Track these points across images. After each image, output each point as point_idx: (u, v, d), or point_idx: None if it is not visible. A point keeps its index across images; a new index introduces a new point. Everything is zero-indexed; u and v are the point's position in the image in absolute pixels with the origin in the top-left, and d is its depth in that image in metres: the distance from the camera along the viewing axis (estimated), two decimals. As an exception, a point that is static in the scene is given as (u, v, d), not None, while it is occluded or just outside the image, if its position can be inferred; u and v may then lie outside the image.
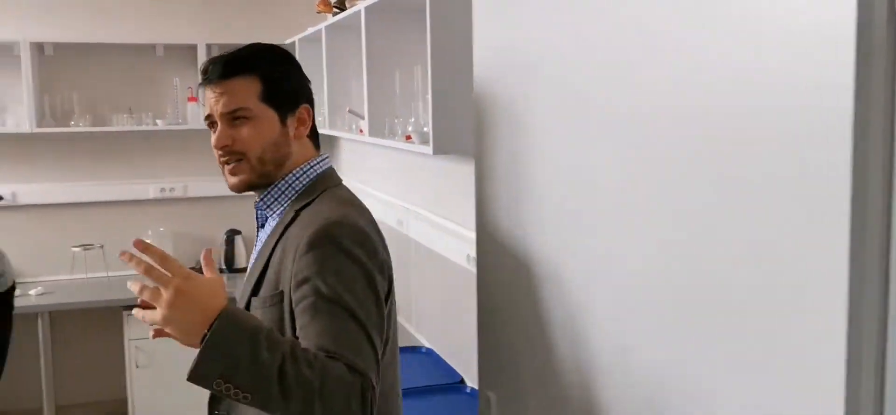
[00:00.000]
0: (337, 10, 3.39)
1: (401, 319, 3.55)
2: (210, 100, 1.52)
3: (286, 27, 4.44)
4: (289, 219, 1.51)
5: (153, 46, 4.50)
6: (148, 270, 1.28)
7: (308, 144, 1.60)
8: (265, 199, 1.57)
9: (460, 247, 2.70)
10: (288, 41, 4.36)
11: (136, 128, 4.36)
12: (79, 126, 4.25)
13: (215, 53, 4.45)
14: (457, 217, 2.86)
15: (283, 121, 1.53)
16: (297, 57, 4.08)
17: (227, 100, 1.50)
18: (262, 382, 1.25)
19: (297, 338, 1.36)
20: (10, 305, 3.33)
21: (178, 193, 4.55)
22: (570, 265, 1.46)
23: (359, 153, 4.26)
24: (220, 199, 4.65)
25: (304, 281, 1.38)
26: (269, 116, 1.51)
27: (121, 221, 4.47)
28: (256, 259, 1.56)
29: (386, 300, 1.47)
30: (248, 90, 1.50)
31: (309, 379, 1.25)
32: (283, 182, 1.55)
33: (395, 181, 3.63)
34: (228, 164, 1.53)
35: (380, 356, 1.39)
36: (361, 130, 3.08)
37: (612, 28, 1.28)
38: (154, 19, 4.50)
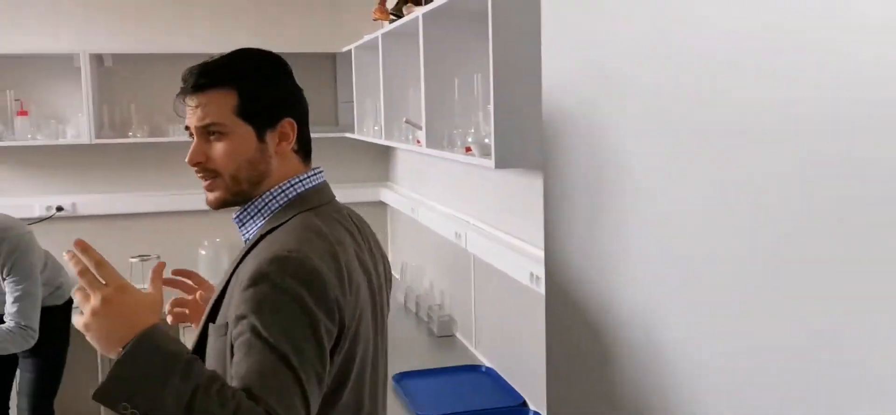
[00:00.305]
0: (394, 17, 3.30)
1: (459, 335, 3.44)
2: (188, 111, 1.46)
3: (343, 35, 4.38)
4: (251, 244, 1.43)
5: (211, 56, 4.47)
6: (82, 272, 1.27)
7: (293, 159, 1.51)
8: (241, 216, 1.50)
9: (522, 264, 2.57)
10: (344, 50, 4.30)
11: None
12: (137, 137, 4.25)
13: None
14: (519, 232, 2.74)
15: (260, 137, 1.45)
16: (354, 67, 3.97)
17: (201, 113, 1.43)
18: (164, 410, 1.19)
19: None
20: (68, 318, 3.32)
21: (234, 204, 4.51)
22: (652, 293, 1.32)
23: (415, 164, 4.16)
24: None
25: (241, 317, 1.30)
26: (245, 132, 1.44)
27: (178, 232, 4.46)
28: (219, 284, 1.49)
29: (339, 343, 1.37)
30: (223, 104, 1.43)
31: None
32: (260, 200, 1.47)
33: (453, 193, 3.52)
34: (205, 180, 1.47)
35: (313, 404, 1.29)
36: (419, 141, 2.98)
37: (710, 30, 1.14)
38: (211, 29, 4.48)
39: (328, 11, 4.61)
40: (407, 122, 2.97)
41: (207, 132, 1.43)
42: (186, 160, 1.44)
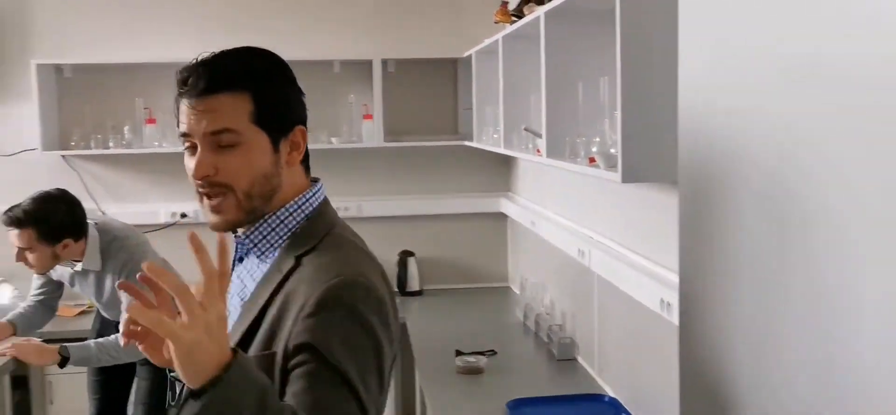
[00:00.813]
0: (516, 19, 3.11)
1: (581, 359, 3.21)
2: (189, 117, 1.28)
3: (465, 39, 4.23)
4: (288, 267, 1.31)
5: (331, 63, 4.44)
6: (182, 291, 1.05)
7: (299, 171, 1.38)
8: (252, 235, 1.34)
9: (652, 288, 2.33)
10: (465, 55, 4.15)
11: (311, 146, 4.27)
12: (257, 144, 4.24)
13: (390, 68, 4.32)
14: (649, 253, 2.49)
15: (275, 147, 1.32)
16: (474, 72, 3.67)
17: (211, 118, 1.26)
18: None
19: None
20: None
21: (352, 213, 4.44)
22: (811, 335, 1.07)
23: (536, 174, 3.96)
24: (393, 219, 4.51)
25: (307, 345, 1.20)
26: (261, 141, 1.29)
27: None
28: (248, 304, 1.33)
29: (389, 373, 1.31)
30: (238, 109, 1.27)
31: None
32: (273, 217, 1.33)
33: (576, 207, 3.30)
34: (210, 198, 1.29)
35: None
36: (538, 151, 2.78)
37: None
38: (333, 35, 4.44)
39: (450, 15, 4.48)
40: (526, 130, 2.78)
41: (218, 142, 1.27)
42: (192, 174, 1.28)
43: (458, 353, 3.24)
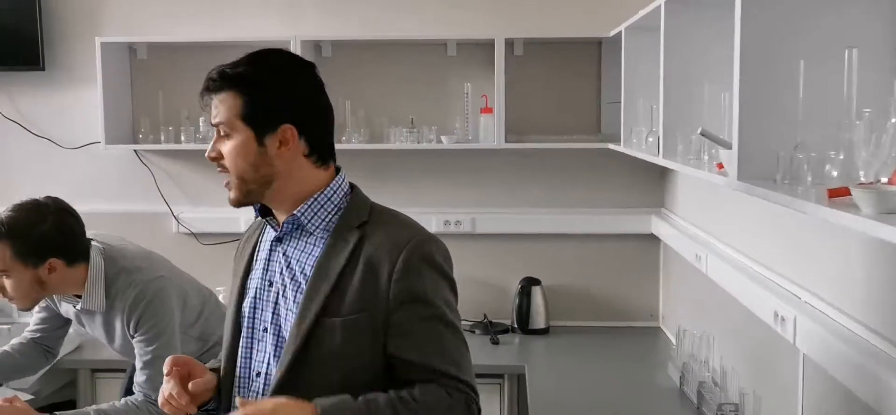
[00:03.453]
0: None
1: None
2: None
3: (610, 14, 3.31)
4: (354, 238, 1.50)
5: (444, 43, 3.62)
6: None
7: (305, 164, 1.54)
8: (305, 213, 1.53)
9: (766, 300, 2.02)
10: (612, 33, 3.22)
11: (415, 146, 3.50)
12: (352, 142, 3.50)
13: (517, 50, 3.41)
14: (769, 262, 2.07)
15: (260, 141, 1.50)
16: (623, 54, 2.71)
17: (214, 112, 1.52)
18: None
19: (393, 355, 1.47)
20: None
21: (465, 228, 3.62)
22: None
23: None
24: (515, 238, 3.64)
25: (408, 300, 1.45)
26: (246, 135, 1.50)
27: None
28: (319, 273, 1.50)
29: None
30: (230, 106, 1.50)
31: None
32: (322, 195, 1.54)
33: (696, 205, 2.86)
34: (224, 178, 1.54)
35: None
36: (720, 166, 1.86)
37: None
38: (442, 13, 3.62)
39: (593, -15, 3.55)
40: (704, 134, 1.85)
41: (218, 131, 1.52)
42: (205, 154, 1.55)
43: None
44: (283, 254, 1.55)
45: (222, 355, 1.63)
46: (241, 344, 1.58)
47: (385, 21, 3.62)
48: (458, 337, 1.48)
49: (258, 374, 1.54)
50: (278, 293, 1.53)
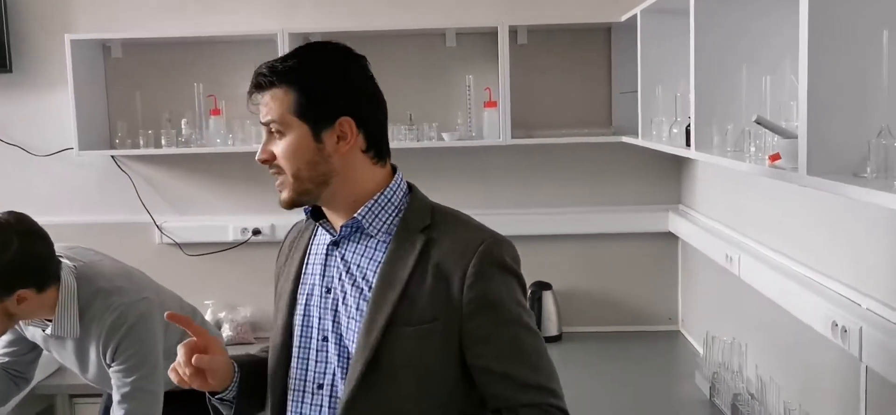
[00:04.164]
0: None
1: None
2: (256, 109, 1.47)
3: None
4: (421, 242, 1.44)
5: (442, 33, 3.38)
6: None
7: (363, 160, 1.46)
8: (366, 216, 1.46)
9: (821, 308, 1.83)
10: (625, 18, 3.00)
11: (414, 145, 3.26)
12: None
13: (521, 39, 3.16)
14: (819, 264, 1.95)
15: (317, 136, 1.43)
16: (639, 40, 2.77)
17: (264, 111, 1.44)
18: None
19: (472, 365, 1.42)
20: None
21: (469, 230, 3.37)
22: None
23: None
24: (524, 240, 3.33)
25: (482, 306, 1.39)
26: (302, 131, 1.42)
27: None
28: (384, 280, 1.42)
29: None
30: (282, 102, 1.42)
31: None
32: (382, 197, 1.46)
33: (723, 201, 2.66)
34: (275, 179, 1.46)
35: None
36: (775, 158, 1.62)
37: None
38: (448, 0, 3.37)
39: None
40: (759, 121, 1.61)
41: (270, 130, 1.44)
42: (256, 157, 1.46)
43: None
44: (341, 258, 1.48)
45: (270, 364, 1.54)
46: (294, 354, 1.50)
47: (378, 11, 3.37)
48: (536, 340, 1.43)
49: (320, 386, 1.46)
50: (338, 300, 1.46)
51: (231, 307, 3.43)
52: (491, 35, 3.23)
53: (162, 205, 3.52)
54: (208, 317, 3.38)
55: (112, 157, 3.46)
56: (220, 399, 1.51)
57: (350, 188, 1.45)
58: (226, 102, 3.35)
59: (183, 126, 3.33)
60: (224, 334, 3.36)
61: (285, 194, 1.44)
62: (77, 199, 3.51)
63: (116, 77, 3.46)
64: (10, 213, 1.98)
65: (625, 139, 3.08)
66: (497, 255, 1.41)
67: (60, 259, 2.06)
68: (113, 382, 2.07)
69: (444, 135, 3.28)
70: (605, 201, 3.43)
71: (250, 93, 1.45)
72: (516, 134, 3.23)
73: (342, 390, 1.41)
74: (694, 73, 2.12)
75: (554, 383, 1.43)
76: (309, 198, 1.45)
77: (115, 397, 2.06)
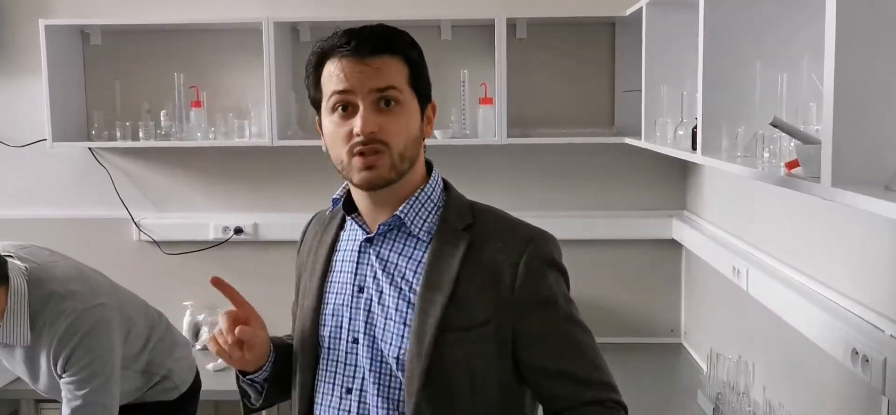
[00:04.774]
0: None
1: None
2: (351, 75, 1.30)
3: (626, -10, 2.92)
4: (465, 242, 1.36)
5: (437, 25, 3.21)
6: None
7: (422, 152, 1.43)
8: (408, 210, 1.38)
9: (838, 332, 1.68)
10: (629, 12, 2.83)
11: (405, 141, 3.08)
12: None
13: (520, 32, 2.97)
14: (838, 283, 1.80)
15: (422, 114, 1.38)
16: (644, 36, 2.63)
17: (379, 76, 1.31)
18: None
19: (527, 364, 1.36)
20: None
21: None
22: None
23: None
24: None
25: (534, 305, 1.34)
26: (414, 105, 1.36)
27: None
28: (430, 282, 1.34)
29: None
30: (399, 71, 1.33)
31: None
32: (422, 194, 1.39)
33: (731, 208, 2.54)
34: (365, 155, 1.31)
35: None
36: (791, 165, 1.45)
37: None
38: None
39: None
40: (775, 123, 1.43)
41: (383, 99, 1.32)
42: (359, 130, 1.29)
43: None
44: (376, 256, 1.39)
45: (296, 367, 1.44)
46: (322, 355, 1.42)
47: (370, 1, 3.20)
48: (589, 336, 1.39)
49: (348, 390, 1.38)
50: (372, 300, 1.38)
51: (211, 309, 3.25)
52: (488, 28, 3.06)
53: (140, 200, 3.36)
54: (187, 319, 3.22)
55: (89, 149, 3.30)
56: (251, 381, 1.43)
57: (409, 179, 1.38)
58: (207, 94, 3.18)
59: (162, 118, 3.16)
60: (203, 337, 3.20)
61: (378, 171, 1.32)
62: (52, 192, 3.36)
63: (95, 65, 3.30)
64: None
65: (627, 140, 2.91)
66: (546, 251, 1.37)
67: (10, 259, 1.90)
68: (64, 393, 1.90)
69: (437, 132, 3.10)
70: (605, 206, 3.26)
71: (360, 54, 1.30)
72: (513, 133, 3.06)
73: (373, 395, 1.35)
74: (702, 69, 1.95)
75: (612, 378, 1.38)
76: (394, 180, 1.35)
77: (65, 410, 1.90)
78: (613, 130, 3.15)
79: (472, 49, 3.22)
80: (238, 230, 3.29)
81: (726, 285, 2.58)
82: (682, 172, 3.20)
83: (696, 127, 2.08)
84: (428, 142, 3.03)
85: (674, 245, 3.21)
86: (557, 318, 1.35)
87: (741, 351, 2.42)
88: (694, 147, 2.07)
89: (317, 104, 1.38)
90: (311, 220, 1.56)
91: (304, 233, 1.55)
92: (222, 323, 1.34)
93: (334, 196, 1.44)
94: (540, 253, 1.35)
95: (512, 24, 3.12)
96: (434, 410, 1.31)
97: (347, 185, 1.42)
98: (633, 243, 3.25)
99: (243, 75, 3.24)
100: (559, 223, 3.23)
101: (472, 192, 3.52)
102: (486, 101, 3.10)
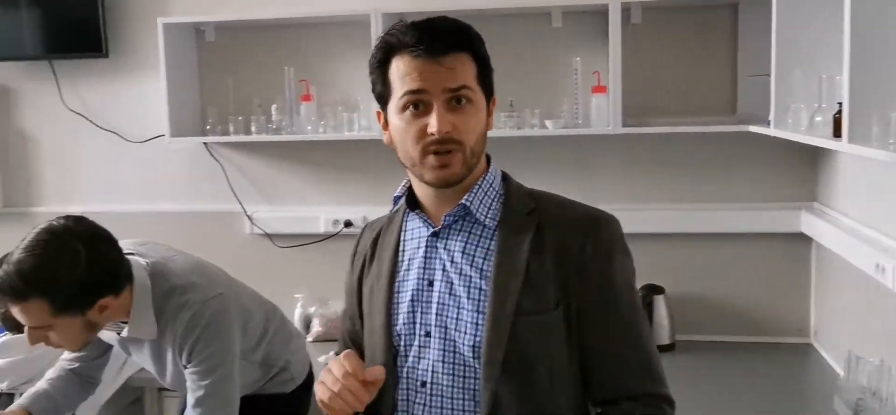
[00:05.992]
0: None
1: None
2: (424, 74, 1.31)
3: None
4: (530, 227, 1.39)
5: (548, 12, 3.11)
6: None
7: None
8: (472, 198, 1.40)
9: None
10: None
11: (515, 133, 3.01)
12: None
13: (635, 17, 2.81)
14: None
15: (488, 109, 1.41)
16: (774, 16, 2.45)
17: (452, 76, 1.32)
18: None
19: (588, 347, 1.38)
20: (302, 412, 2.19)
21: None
22: None
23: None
24: (634, 238, 3.03)
25: (601, 288, 1.36)
26: (482, 101, 1.38)
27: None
28: (501, 271, 1.36)
29: None
30: (469, 69, 1.35)
31: None
32: (484, 182, 1.41)
33: (872, 199, 2.34)
34: (438, 155, 1.33)
35: None
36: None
37: None
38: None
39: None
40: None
41: (456, 98, 1.33)
42: (435, 129, 1.32)
43: None
44: (444, 248, 1.42)
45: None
46: (399, 354, 1.43)
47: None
48: (647, 326, 1.42)
49: (423, 383, 1.40)
50: (443, 292, 1.40)
51: (322, 302, 3.27)
52: (601, 14, 2.94)
53: (252, 194, 3.40)
54: (298, 311, 3.24)
55: (204, 144, 3.36)
56: None
57: (474, 171, 1.40)
58: (317, 88, 3.19)
59: (273, 112, 3.19)
60: (314, 330, 3.22)
61: (452, 170, 1.35)
62: (169, 186, 3.44)
63: (209, 61, 3.36)
64: (68, 217, 1.81)
65: (752, 128, 2.75)
66: (613, 232, 1.39)
67: (131, 256, 1.93)
68: (188, 383, 1.92)
69: (548, 122, 3.01)
70: (727, 198, 3.09)
71: (433, 53, 1.30)
72: (627, 122, 2.93)
73: (448, 386, 1.37)
74: (849, 50, 1.79)
75: (663, 372, 1.41)
76: (465, 176, 1.38)
77: (190, 399, 1.92)
78: (736, 118, 2.98)
79: (585, 36, 3.10)
80: (347, 223, 3.29)
81: (865, 283, 2.39)
82: (811, 161, 2.99)
83: (837, 112, 1.92)
84: (539, 132, 2.99)
85: (802, 239, 3.02)
86: (622, 303, 1.37)
87: (883, 355, 2.24)
88: (837, 134, 1.91)
89: (382, 99, 1.38)
90: (363, 231, 1.57)
91: (357, 246, 1.56)
92: (347, 365, 1.31)
93: (396, 194, 1.46)
94: (609, 233, 1.39)
95: (626, 9, 2.99)
96: (512, 396, 1.33)
97: (408, 181, 1.45)
98: (756, 237, 3.07)
99: (352, 68, 3.23)
100: (677, 217, 3.10)
101: (585, 183, 3.38)
102: (599, 89, 2.99)
